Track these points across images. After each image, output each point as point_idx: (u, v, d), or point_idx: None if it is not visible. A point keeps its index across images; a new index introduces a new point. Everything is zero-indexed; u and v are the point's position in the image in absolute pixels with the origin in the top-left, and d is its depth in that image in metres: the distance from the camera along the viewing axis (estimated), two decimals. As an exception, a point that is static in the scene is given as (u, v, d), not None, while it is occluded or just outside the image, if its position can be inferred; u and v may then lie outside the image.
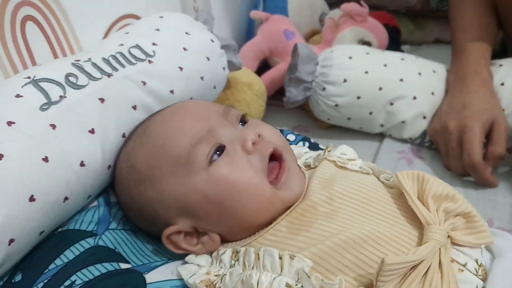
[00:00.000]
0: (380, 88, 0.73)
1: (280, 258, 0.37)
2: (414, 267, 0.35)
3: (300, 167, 0.49)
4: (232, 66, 0.69)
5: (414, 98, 0.74)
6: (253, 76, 0.81)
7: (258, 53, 0.86)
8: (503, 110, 0.69)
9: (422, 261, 0.35)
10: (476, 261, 0.39)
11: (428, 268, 0.35)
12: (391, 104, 0.74)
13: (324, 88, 0.74)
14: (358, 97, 0.73)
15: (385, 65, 0.75)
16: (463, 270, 0.38)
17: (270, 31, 0.85)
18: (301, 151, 0.53)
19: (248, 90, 0.77)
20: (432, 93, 0.75)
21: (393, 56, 0.78)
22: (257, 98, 0.79)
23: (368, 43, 0.82)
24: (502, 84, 0.72)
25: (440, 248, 0.37)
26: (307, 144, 0.63)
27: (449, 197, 0.40)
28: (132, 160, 0.45)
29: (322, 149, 0.60)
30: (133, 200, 0.45)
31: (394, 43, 0.95)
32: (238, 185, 0.41)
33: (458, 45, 0.76)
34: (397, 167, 0.72)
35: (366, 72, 0.73)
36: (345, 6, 0.82)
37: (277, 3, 0.95)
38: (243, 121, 0.47)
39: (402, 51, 0.99)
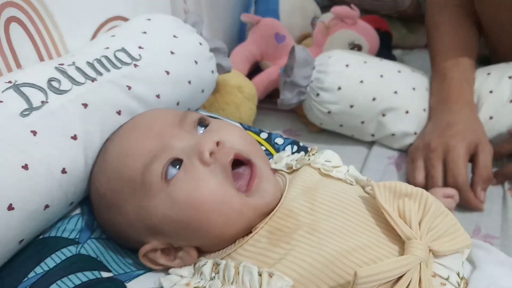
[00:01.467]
0: (374, 99, 0.74)
1: (260, 274, 0.37)
2: (394, 283, 0.35)
3: (275, 171, 0.48)
4: (222, 69, 0.68)
5: (407, 112, 0.74)
6: (244, 78, 0.81)
7: (249, 56, 0.85)
8: (491, 118, 0.69)
9: (401, 277, 0.35)
10: (458, 274, 0.39)
11: (408, 285, 0.35)
12: (383, 115, 0.74)
13: (318, 94, 0.73)
14: (351, 106, 0.73)
15: (381, 76, 0.75)
16: (445, 284, 0.37)
17: (261, 34, 0.85)
18: (282, 155, 0.52)
19: (238, 93, 0.76)
20: (424, 110, 0.75)
21: (391, 67, 0.78)
22: (248, 101, 0.78)
23: (358, 46, 0.82)
24: (491, 92, 0.72)
25: (420, 264, 0.36)
26: (295, 147, 0.62)
27: (423, 205, 0.40)
28: (96, 186, 0.45)
29: (299, 146, 0.60)
30: (106, 224, 0.46)
31: (385, 48, 0.95)
32: (202, 203, 0.39)
33: (439, 68, 0.76)
34: (386, 172, 0.73)
35: (361, 82, 0.73)
36: (335, 9, 0.82)
37: (269, 5, 0.95)
38: (204, 124, 0.45)
39: (393, 55, 0.99)
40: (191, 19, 0.66)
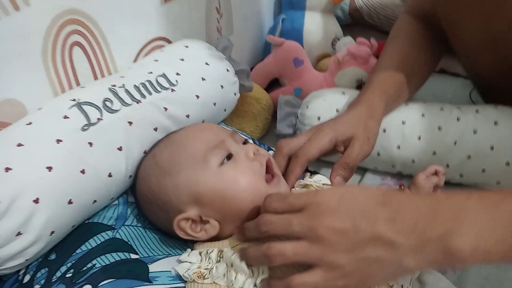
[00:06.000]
0: None
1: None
2: None
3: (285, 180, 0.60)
4: (244, 89, 0.79)
5: (378, 154, 0.78)
6: (262, 91, 0.92)
7: (268, 74, 0.95)
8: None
9: None
10: (402, 286, 0.49)
11: None
12: None
13: None
14: None
15: None
16: None
17: (282, 57, 0.94)
18: None
19: (256, 103, 0.87)
20: (398, 147, 0.77)
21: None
22: (264, 111, 0.89)
23: (364, 83, 0.90)
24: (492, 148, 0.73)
25: None
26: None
27: None
28: (156, 159, 0.56)
29: (309, 171, 0.70)
30: (151, 189, 0.54)
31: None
32: (240, 181, 0.52)
33: (370, 76, 0.76)
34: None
35: None
36: (351, 47, 0.89)
37: (294, 25, 1.03)
38: (244, 143, 0.58)
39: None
40: (222, 44, 0.76)
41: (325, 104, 0.80)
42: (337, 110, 0.79)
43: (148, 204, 0.57)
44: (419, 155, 0.76)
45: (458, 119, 0.75)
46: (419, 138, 0.76)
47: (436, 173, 0.59)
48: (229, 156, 0.53)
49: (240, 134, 0.61)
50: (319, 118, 0.79)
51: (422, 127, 0.76)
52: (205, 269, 0.50)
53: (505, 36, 0.66)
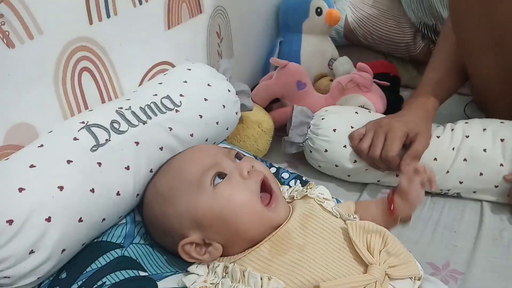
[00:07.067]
0: (355, 161, 0.83)
1: (261, 278, 0.49)
2: None
3: (284, 198, 0.61)
4: (245, 108, 0.81)
5: None
6: (263, 113, 0.93)
7: (271, 94, 0.98)
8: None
9: None
10: None
11: None
12: (366, 169, 0.84)
13: (310, 151, 0.86)
14: (336, 165, 0.84)
15: None
16: None
17: (285, 79, 0.96)
18: (283, 189, 0.64)
19: (257, 127, 0.89)
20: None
21: None
22: (265, 134, 0.91)
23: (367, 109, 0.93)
24: (485, 150, 0.80)
25: (376, 282, 0.48)
26: (298, 182, 0.74)
27: (383, 239, 0.52)
28: (157, 186, 0.58)
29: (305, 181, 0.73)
30: (155, 217, 0.57)
31: (394, 91, 1.06)
32: (235, 201, 0.53)
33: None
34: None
35: (345, 146, 0.83)
36: (356, 77, 0.93)
37: (292, 47, 1.07)
38: (239, 157, 0.60)
39: (401, 96, 1.10)
40: (222, 66, 0.79)
41: (341, 119, 0.86)
42: (351, 127, 0.84)
43: (154, 229, 0.59)
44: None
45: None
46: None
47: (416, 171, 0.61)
48: (222, 176, 0.55)
49: (238, 150, 0.62)
50: (335, 130, 0.83)
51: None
52: (211, 283, 0.51)
53: (508, 36, 0.74)
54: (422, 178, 0.60)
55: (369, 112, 0.90)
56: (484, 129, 0.82)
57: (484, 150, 0.80)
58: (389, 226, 0.57)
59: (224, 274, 0.52)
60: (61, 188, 0.51)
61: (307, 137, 0.85)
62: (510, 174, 0.78)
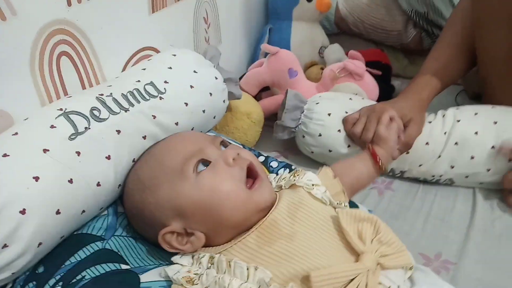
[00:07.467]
0: (349, 146, 0.83)
1: (247, 268, 0.47)
2: (345, 286, 0.45)
3: (269, 182, 0.59)
4: (233, 96, 0.79)
5: None
6: (253, 104, 0.91)
7: (261, 82, 0.95)
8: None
9: (352, 280, 0.45)
10: (399, 287, 0.49)
11: (357, 286, 0.45)
12: None
13: (303, 136, 0.84)
14: (330, 151, 0.83)
15: None
16: None
17: (276, 67, 0.94)
18: (270, 178, 0.62)
19: (246, 118, 0.87)
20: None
21: None
22: (255, 125, 0.89)
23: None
24: (476, 133, 0.80)
25: (368, 271, 0.46)
26: (287, 170, 0.72)
27: (375, 228, 0.51)
28: (138, 174, 0.56)
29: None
30: (136, 206, 0.55)
31: (385, 79, 1.04)
32: (219, 188, 0.51)
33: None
34: (368, 197, 0.83)
35: (339, 131, 0.83)
36: (348, 65, 0.91)
37: (282, 35, 1.04)
38: (225, 145, 0.58)
39: (392, 85, 1.09)
40: (210, 53, 0.76)
41: (335, 104, 0.85)
42: (346, 112, 0.84)
43: (135, 219, 0.57)
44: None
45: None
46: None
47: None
48: (206, 163, 0.53)
49: (223, 137, 0.60)
50: (329, 114, 0.83)
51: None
52: (195, 274, 0.49)
53: None
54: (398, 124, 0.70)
55: (363, 99, 0.89)
56: (476, 114, 0.82)
57: (476, 133, 0.80)
58: (373, 179, 0.67)
59: (209, 265, 0.50)
60: (36, 178, 0.49)
61: (300, 121, 0.84)
62: (500, 147, 0.78)
